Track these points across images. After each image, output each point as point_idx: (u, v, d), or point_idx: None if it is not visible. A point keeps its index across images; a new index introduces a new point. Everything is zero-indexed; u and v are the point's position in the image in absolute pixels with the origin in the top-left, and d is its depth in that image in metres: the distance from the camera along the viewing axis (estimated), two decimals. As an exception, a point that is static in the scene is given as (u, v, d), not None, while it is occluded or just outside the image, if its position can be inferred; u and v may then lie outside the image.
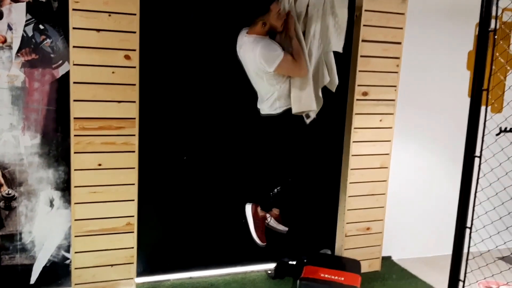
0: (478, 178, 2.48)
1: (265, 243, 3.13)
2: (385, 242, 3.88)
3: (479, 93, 2.42)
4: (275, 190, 3.15)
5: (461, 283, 2.53)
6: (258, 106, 3.14)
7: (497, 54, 3.14)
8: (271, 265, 3.60)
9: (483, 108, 2.47)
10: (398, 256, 4.07)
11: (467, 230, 2.49)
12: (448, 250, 2.57)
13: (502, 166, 3.11)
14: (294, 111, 3.03)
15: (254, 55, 2.90)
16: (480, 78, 2.41)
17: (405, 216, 4.02)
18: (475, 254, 2.78)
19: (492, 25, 2.34)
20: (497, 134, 4.38)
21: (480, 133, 2.48)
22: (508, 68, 3.48)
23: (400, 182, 3.88)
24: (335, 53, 3.22)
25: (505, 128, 4.51)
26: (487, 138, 2.68)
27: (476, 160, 2.45)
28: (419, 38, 3.73)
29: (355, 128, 3.51)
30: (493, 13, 2.34)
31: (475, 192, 2.47)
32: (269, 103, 3.02)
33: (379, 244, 3.79)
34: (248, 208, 3.11)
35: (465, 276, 2.54)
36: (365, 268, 3.70)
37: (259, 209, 3.11)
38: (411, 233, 4.06)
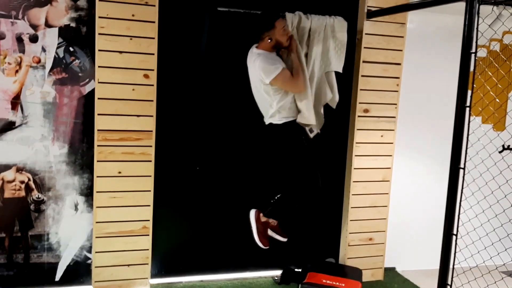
0: (462, 188, 2.66)
1: (267, 247, 3.30)
2: (390, 253, 4.01)
3: (462, 109, 2.62)
4: (276, 197, 3.35)
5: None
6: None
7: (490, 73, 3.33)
8: (278, 272, 3.78)
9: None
10: (402, 267, 4.19)
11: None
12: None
13: (495, 180, 3.27)
14: (297, 120, 3.28)
15: (254, 66, 3.13)
16: (463, 95, 2.62)
17: (409, 228, 4.14)
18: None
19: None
20: (500, 152, 4.53)
21: (464, 145, 2.67)
22: (500, 86, 3.65)
23: (402, 195, 4.03)
24: (336, 72, 3.48)
25: (508, 146, 4.66)
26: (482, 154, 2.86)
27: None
28: (420, 59, 3.91)
29: (357, 142, 3.71)
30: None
31: (460, 200, 2.66)
32: (268, 115, 3.23)
33: (382, 254, 3.93)
34: (252, 213, 3.30)
35: (452, 280, 2.70)
36: (368, 277, 3.85)
37: (261, 215, 3.30)
38: (415, 245, 4.17)
